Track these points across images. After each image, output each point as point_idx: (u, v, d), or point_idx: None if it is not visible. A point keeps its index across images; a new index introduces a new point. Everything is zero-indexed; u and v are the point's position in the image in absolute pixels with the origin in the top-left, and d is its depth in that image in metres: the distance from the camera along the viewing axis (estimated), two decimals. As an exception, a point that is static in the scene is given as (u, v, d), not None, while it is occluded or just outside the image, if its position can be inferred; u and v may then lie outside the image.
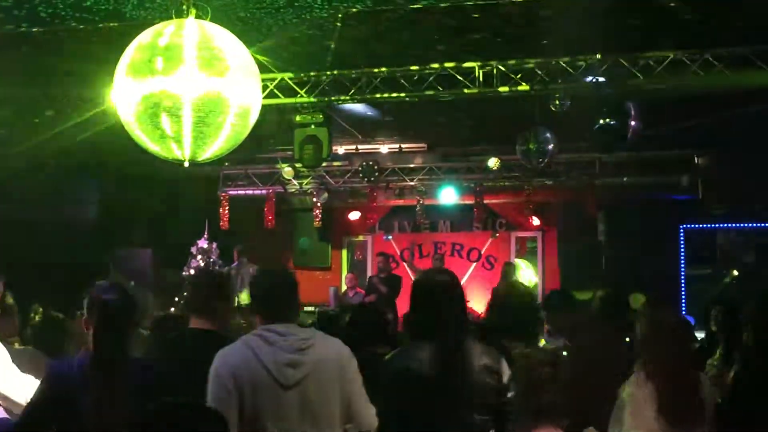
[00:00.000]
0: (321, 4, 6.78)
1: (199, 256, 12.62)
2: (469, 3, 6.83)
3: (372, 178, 13.51)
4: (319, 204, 14.25)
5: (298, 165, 12.13)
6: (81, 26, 7.32)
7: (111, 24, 7.23)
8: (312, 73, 8.91)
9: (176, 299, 12.47)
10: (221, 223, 13.90)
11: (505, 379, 3.71)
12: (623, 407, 4.00)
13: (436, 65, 8.64)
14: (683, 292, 12.83)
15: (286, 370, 3.52)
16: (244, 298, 11.34)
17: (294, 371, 3.53)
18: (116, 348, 3.54)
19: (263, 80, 7.91)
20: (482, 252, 15.55)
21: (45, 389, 3.54)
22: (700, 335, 7.12)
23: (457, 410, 3.65)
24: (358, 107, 10.15)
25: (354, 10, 6.99)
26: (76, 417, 3.40)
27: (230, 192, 14.17)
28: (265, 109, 6.81)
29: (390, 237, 15.76)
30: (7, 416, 4.12)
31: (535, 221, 14.52)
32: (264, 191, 14.22)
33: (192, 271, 12.57)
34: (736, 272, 12.15)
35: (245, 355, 3.54)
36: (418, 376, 3.66)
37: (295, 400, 3.51)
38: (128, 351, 3.63)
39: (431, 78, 8.71)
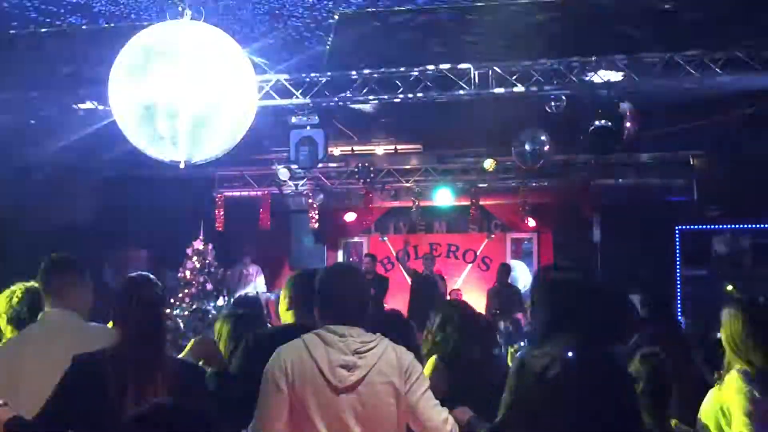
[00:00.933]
0: (316, 5, 6.79)
1: (195, 258, 12.60)
2: (464, 4, 6.85)
3: (367, 180, 13.51)
4: (314, 205, 14.24)
5: (293, 166, 12.12)
6: (76, 27, 7.32)
7: (106, 25, 7.23)
8: (307, 75, 8.90)
9: (171, 300, 12.47)
10: (217, 225, 13.90)
11: None
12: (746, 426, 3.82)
13: (431, 66, 8.65)
14: (678, 294, 12.84)
15: (340, 372, 3.43)
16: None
17: (348, 373, 3.44)
18: (152, 342, 3.42)
19: (259, 81, 7.94)
20: (478, 253, 15.57)
21: (70, 383, 3.36)
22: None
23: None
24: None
25: (349, 11, 7.00)
26: (100, 414, 3.25)
27: (226, 193, 14.16)
28: (261, 111, 6.81)
29: (385, 238, 15.77)
30: None
31: (531, 222, 14.53)
32: (259, 192, 14.22)
33: (188, 273, 12.56)
34: (730, 287, 12.14)
35: (301, 353, 3.48)
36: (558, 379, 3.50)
37: (347, 403, 3.42)
38: (164, 346, 3.51)
39: (427, 79, 8.71)
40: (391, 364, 3.52)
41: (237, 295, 11.10)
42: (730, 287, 12.18)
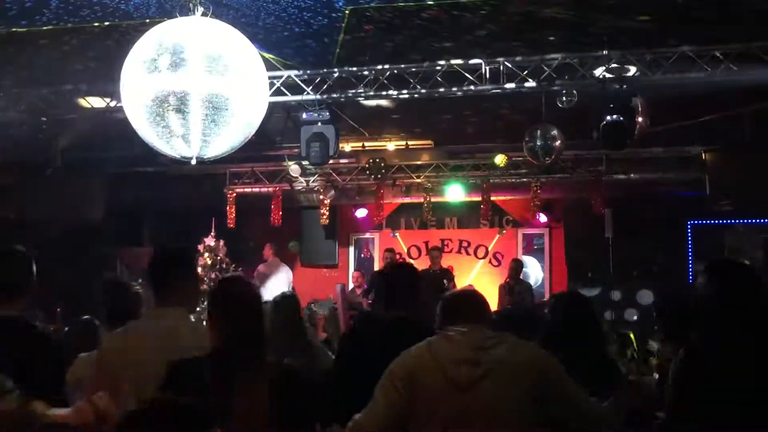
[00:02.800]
0: (327, 1, 6.79)
1: (206, 254, 12.62)
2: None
3: (379, 176, 13.51)
4: (326, 201, 14.25)
5: (304, 162, 12.13)
6: (88, 24, 7.34)
7: (118, 22, 7.25)
8: (318, 71, 8.91)
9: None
10: (228, 221, 13.92)
11: None
12: None
13: (442, 62, 8.64)
14: (691, 289, 12.79)
15: (463, 367, 3.41)
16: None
17: (471, 369, 3.41)
18: (250, 345, 3.32)
19: (270, 78, 7.94)
20: (489, 249, 15.54)
21: (171, 387, 3.23)
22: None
23: None
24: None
25: (360, 7, 7.00)
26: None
27: (237, 190, 14.18)
28: (272, 107, 6.82)
29: (397, 234, 15.77)
30: None
31: (542, 218, 14.50)
32: (271, 189, 14.23)
33: (199, 269, 12.58)
34: None
35: (423, 355, 3.49)
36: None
37: (472, 399, 3.39)
38: (263, 348, 3.39)
39: (438, 75, 8.71)
40: (519, 360, 3.48)
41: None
42: None
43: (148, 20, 6.85)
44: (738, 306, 3.65)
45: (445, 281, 12.74)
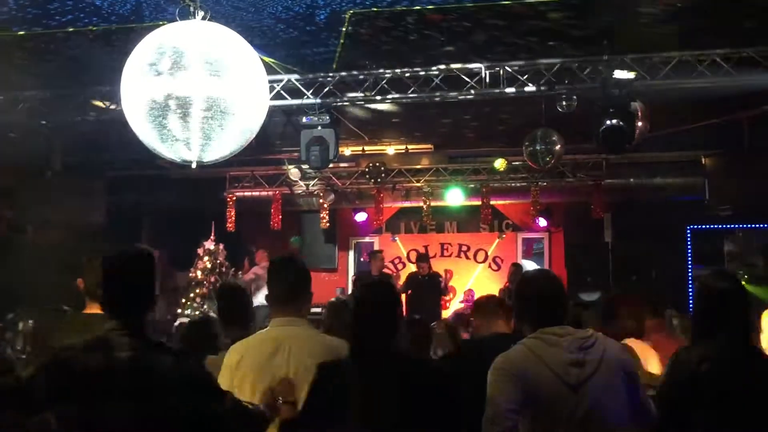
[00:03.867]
0: (327, 4, 6.80)
1: (206, 258, 12.62)
2: (475, 4, 6.84)
3: (378, 180, 13.51)
4: (325, 205, 14.25)
5: (304, 166, 12.13)
6: (88, 28, 7.35)
7: (117, 26, 7.26)
8: (318, 75, 8.91)
9: (183, 300, 12.51)
10: (228, 225, 13.92)
11: None
12: None
13: (442, 66, 8.65)
14: (690, 294, 12.79)
15: (571, 369, 3.48)
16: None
17: (579, 370, 3.49)
18: (383, 341, 3.43)
19: (270, 81, 7.95)
20: (489, 253, 15.55)
21: (320, 390, 3.38)
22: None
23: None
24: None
25: (360, 11, 7.01)
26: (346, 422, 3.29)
27: (237, 193, 14.18)
28: (272, 111, 6.82)
29: (396, 238, 15.77)
30: None
31: (542, 222, 14.51)
32: (270, 192, 14.23)
33: (199, 273, 12.58)
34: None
35: (528, 357, 3.53)
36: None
37: (583, 400, 3.47)
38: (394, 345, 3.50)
39: (438, 79, 8.71)
40: (614, 357, 3.61)
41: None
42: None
43: (148, 24, 6.85)
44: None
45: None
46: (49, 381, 3.02)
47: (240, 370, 3.79)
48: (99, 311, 3.93)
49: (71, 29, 7.39)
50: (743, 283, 4.21)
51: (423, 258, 13.36)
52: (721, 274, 4.04)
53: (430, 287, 12.54)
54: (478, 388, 3.56)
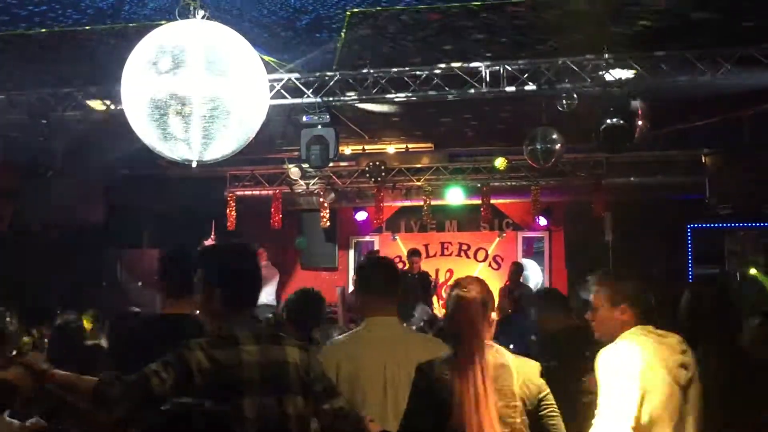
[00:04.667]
0: (328, 3, 6.79)
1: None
2: (476, 3, 6.84)
3: (379, 179, 13.51)
4: (326, 204, 14.25)
5: (304, 165, 12.13)
6: (88, 27, 7.35)
7: (118, 25, 7.25)
8: (318, 74, 8.91)
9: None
10: (228, 224, 13.92)
11: None
12: None
13: (442, 65, 8.64)
14: (691, 292, 12.77)
15: (680, 371, 3.58)
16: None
17: (685, 372, 3.59)
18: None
19: (270, 80, 7.94)
20: (489, 252, 15.55)
21: (420, 391, 3.41)
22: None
23: None
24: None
25: (360, 9, 7.00)
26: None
27: (237, 192, 14.18)
28: (272, 110, 6.82)
29: (397, 237, 15.77)
30: None
31: (542, 221, 14.50)
32: (271, 192, 14.23)
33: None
34: (753, 270, 12.12)
35: (643, 355, 3.57)
36: None
37: (686, 399, 3.57)
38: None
39: (438, 78, 8.71)
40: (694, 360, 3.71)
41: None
42: (753, 270, 12.16)
43: (148, 23, 6.85)
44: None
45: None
46: (179, 377, 3.00)
47: (343, 370, 3.86)
48: (181, 311, 4.04)
49: (71, 28, 7.38)
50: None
51: (415, 253, 13.32)
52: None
53: (418, 286, 12.48)
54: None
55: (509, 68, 8.56)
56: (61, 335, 5.96)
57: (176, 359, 3.03)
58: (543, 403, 3.39)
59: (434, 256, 15.46)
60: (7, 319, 5.11)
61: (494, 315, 3.51)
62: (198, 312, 3.60)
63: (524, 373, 3.41)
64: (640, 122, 8.56)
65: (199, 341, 3.10)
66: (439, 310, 14.71)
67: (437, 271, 13.87)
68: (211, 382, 3.01)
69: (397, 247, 15.56)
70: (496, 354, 3.43)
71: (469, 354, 3.34)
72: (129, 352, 3.33)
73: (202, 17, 5.16)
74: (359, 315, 4.11)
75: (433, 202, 14.15)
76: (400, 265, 15.19)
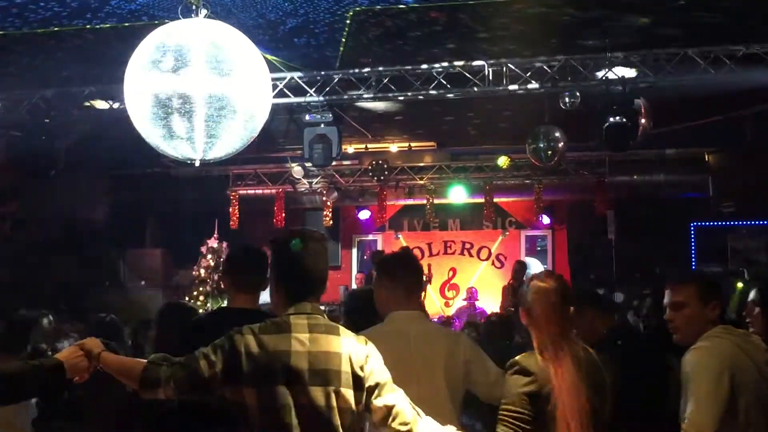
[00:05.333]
0: (330, 2, 6.80)
1: (209, 255, 12.63)
2: (479, 1, 6.84)
3: (382, 177, 13.51)
4: (328, 203, 14.26)
5: (307, 164, 12.14)
6: (91, 26, 7.35)
7: (121, 24, 7.26)
8: (321, 73, 8.91)
9: (186, 298, 12.51)
10: (231, 223, 13.93)
11: None
12: None
13: (445, 64, 8.64)
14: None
15: (766, 366, 3.60)
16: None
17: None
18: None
19: (273, 79, 7.94)
20: (492, 250, 15.54)
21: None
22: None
23: None
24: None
25: (363, 9, 7.00)
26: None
27: (240, 191, 14.20)
28: (275, 109, 6.82)
29: (400, 236, 15.77)
30: None
31: (545, 220, 14.50)
32: (274, 190, 14.24)
33: (202, 271, 12.59)
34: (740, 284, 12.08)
35: (736, 352, 3.55)
36: None
37: None
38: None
39: (440, 76, 8.71)
40: None
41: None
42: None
43: (151, 22, 6.85)
44: None
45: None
46: (227, 361, 3.00)
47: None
48: (247, 306, 4.10)
49: (74, 27, 7.39)
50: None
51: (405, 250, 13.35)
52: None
53: None
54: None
55: (512, 67, 8.56)
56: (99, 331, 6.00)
57: (226, 342, 3.03)
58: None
59: (437, 254, 15.46)
60: (48, 318, 5.16)
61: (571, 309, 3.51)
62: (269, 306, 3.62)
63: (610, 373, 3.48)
64: (642, 121, 8.57)
65: (251, 326, 3.09)
66: (442, 308, 14.77)
67: (429, 266, 13.82)
68: (258, 367, 2.99)
69: (400, 245, 15.55)
70: (585, 349, 3.47)
71: (555, 344, 3.36)
72: (198, 343, 3.36)
73: (205, 16, 5.16)
74: (385, 310, 4.07)
75: (436, 201, 14.15)
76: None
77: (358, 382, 3.11)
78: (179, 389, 2.97)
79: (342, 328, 3.25)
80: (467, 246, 15.68)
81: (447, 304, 15.07)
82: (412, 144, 13.24)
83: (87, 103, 9.50)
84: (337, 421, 3.04)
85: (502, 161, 12.89)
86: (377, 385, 3.17)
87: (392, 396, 3.18)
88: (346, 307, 5.47)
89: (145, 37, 4.98)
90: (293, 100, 9.03)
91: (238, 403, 3.00)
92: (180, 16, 5.08)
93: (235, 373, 2.99)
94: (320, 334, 3.13)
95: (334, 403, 3.04)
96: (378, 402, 3.15)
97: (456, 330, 3.99)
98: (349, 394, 3.08)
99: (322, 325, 3.17)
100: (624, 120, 8.35)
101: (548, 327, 3.38)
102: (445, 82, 8.72)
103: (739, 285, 11.84)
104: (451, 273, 15.39)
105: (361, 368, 3.13)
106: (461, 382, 3.86)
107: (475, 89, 8.68)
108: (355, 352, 3.15)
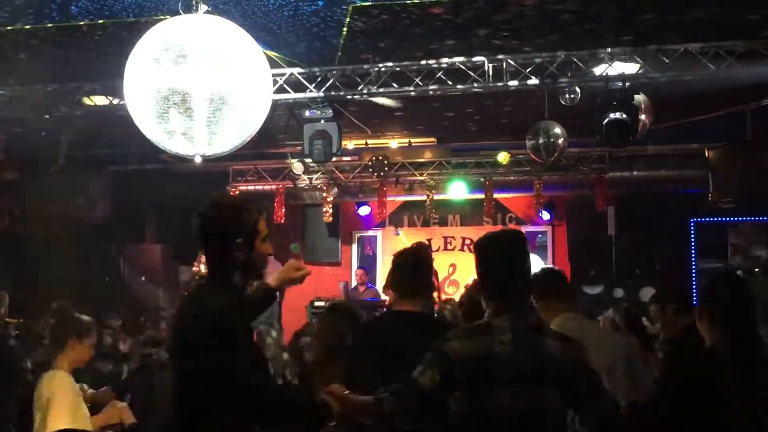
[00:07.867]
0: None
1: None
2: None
3: (382, 173, 13.50)
4: (328, 199, 14.26)
5: (307, 160, 12.13)
6: (91, 23, 7.35)
7: (121, 20, 7.26)
8: (321, 68, 8.90)
9: (185, 293, 12.52)
10: (231, 219, 13.91)
11: None
12: None
13: (445, 59, 8.63)
14: (694, 286, 12.78)
15: None
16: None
17: None
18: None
19: (273, 75, 7.94)
20: (492, 247, 15.49)
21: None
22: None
23: None
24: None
25: (362, 4, 7.00)
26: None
27: (240, 187, 14.19)
28: (275, 104, 6.82)
29: (400, 232, 15.76)
30: None
31: (545, 216, 14.49)
32: (273, 186, 14.23)
33: (202, 267, 12.59)
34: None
35: None
36: None
37: None
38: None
39: (440, 72, 8.70)
40: None
41: None
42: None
43: (151, 18, 6.85)
44: None
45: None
46: (443, 370, 3.01)
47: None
48: (410, 309, 4.14)
49: (74, 23, 7.39)
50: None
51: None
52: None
53: None
54: None
55: (512, 62, 8.55)
56: None
57: (436, 353, 3.04)
58: None
59: (437, 250, 15.43)
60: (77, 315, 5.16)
61: None
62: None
63: None
64: (642, 116, 8.57)
65: (455, 332, 3.12)
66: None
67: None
68: (466, 372, 3.00)
69: (400, 242, 15.54)
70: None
71: None
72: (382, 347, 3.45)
73: (204, 12, 5.16)
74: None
75: (436, 197, 14.13)
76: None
77: (565, 384, 3.07)
78: (413, 415, 3.03)
79: (549, 328, 3.24)
80: (467, 242, 15.65)
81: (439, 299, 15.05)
82: (412, 140, 13.24)
83: (87, 100, 9.49)
84: (547, 423, 3.02)
85: (503, 157, 12.88)
86: (587, 391, 3.11)
87: (602, 403, 3.14)
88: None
89: (146, 32, 4.98)
90: (293, 95, 9.02)
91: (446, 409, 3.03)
92: (180, 12, 5.08)
93: (451, 380, 3.02)
94: (525, 334, 3.10)
95: (542, 405, 3.02)
96: (587, 409, 3.13)
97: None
98: (556, 396, 3.05)
99: (527, 325, 3.14)
100: (624, 116, 8.35)
101: None
102: (445, 78, 8.71)
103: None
104: (451, 269, 15.37)
105: (568, 369, 3.09)
106: None
107: (476, 85, 8.67)
108: (562, 352, 3.10)
